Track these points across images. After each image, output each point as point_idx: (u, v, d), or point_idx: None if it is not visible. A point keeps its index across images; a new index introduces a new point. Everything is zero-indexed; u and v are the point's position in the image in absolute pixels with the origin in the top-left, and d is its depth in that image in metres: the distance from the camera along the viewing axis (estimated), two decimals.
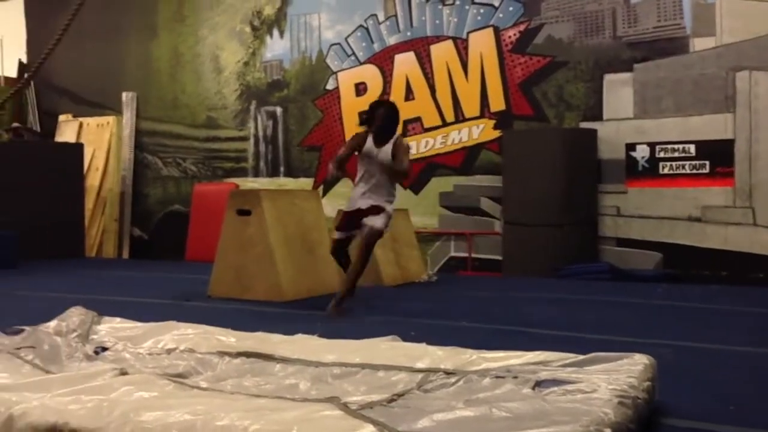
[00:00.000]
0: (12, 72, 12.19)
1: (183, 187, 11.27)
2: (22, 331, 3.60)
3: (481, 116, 9.10)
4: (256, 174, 10.73)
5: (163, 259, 10.71)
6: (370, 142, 5.60)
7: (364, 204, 5.56)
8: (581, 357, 2.86)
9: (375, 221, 5.47)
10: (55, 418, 2.29)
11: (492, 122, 9.03)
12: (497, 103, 9.01)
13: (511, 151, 8.48)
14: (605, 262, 8.18)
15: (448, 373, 2.83)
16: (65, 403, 2.38)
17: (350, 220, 5.65)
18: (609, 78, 8.41)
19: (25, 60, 12.36)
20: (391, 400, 2.51)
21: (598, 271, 7.88)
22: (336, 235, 5.80)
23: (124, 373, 2.84)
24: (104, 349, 3.40)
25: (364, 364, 2.98)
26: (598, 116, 8.46)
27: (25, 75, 11.52)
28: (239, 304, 5.89)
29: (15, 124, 11.12)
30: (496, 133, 8.94)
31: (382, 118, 5.58)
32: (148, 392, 2.55)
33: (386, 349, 3.27)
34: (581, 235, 8.20)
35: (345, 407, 2.36)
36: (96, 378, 2.72)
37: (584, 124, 8.50)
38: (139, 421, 2.23)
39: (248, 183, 10.60)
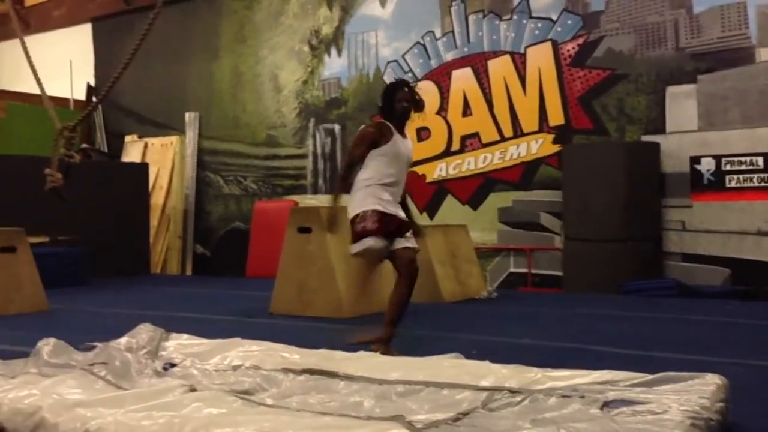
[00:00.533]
0: (80, 95, 12.63)
1: (244, 204, 11.46)
2: (95, 347, 3.71)
3: (540, 131, 9.02)
4: (315, 191, 10.84)
5: (225, 275, 10.90)
6: (396, 134, 4.47)
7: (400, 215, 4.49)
8: (650, 377, 2.81)
9: (413, 242, 4.48)
10: None
11: (551, 137, 8.94)
12: (556, 117, 8.92)
13: (571, 166, 8.37)
14: (671, 278, 7.98)
15: (513, 391, 2.81)
16: (138, 419, 2.45)
17: (390, 229, 4.41)
18: (672, 90, 8.24)
19: (93, 83, 12.80)
20: (456, 419, 2.50)
21: (663, 287, 7.69)
22: (378, 243, 4.38)
23: (193, 389, 2.90)
24: (172, 365, 3.47)
25: (428, 382, 2.98)
26: (660, 129, 8.29)
27: (94, 98, 11.90)
28: (300, 321, 5.94)
29: (84, 145, 11.49)
30: (556, 148, 8.84)
31: (409, 99, 4.43)
32: (216, 409, 2.60)
33: (449, 366, 3.26)
34: (645, 250, 8.02)
35: (410, 426, 2.36)
36: (166, 394, 2.78)
37: (646, 138, 8.34)
38: None
39: (307, 200, 10.71)
